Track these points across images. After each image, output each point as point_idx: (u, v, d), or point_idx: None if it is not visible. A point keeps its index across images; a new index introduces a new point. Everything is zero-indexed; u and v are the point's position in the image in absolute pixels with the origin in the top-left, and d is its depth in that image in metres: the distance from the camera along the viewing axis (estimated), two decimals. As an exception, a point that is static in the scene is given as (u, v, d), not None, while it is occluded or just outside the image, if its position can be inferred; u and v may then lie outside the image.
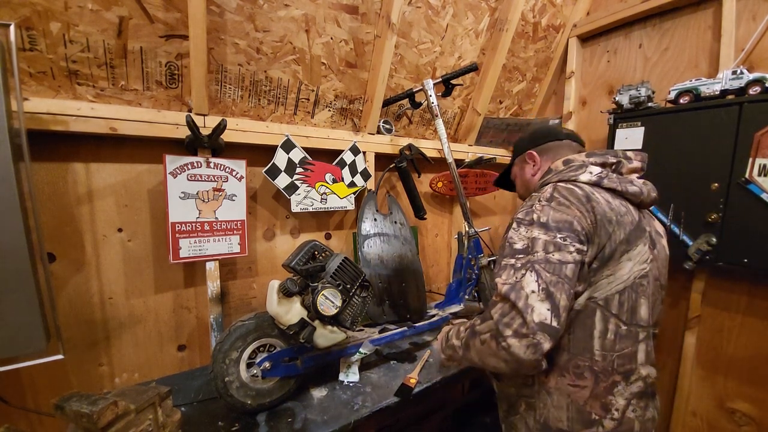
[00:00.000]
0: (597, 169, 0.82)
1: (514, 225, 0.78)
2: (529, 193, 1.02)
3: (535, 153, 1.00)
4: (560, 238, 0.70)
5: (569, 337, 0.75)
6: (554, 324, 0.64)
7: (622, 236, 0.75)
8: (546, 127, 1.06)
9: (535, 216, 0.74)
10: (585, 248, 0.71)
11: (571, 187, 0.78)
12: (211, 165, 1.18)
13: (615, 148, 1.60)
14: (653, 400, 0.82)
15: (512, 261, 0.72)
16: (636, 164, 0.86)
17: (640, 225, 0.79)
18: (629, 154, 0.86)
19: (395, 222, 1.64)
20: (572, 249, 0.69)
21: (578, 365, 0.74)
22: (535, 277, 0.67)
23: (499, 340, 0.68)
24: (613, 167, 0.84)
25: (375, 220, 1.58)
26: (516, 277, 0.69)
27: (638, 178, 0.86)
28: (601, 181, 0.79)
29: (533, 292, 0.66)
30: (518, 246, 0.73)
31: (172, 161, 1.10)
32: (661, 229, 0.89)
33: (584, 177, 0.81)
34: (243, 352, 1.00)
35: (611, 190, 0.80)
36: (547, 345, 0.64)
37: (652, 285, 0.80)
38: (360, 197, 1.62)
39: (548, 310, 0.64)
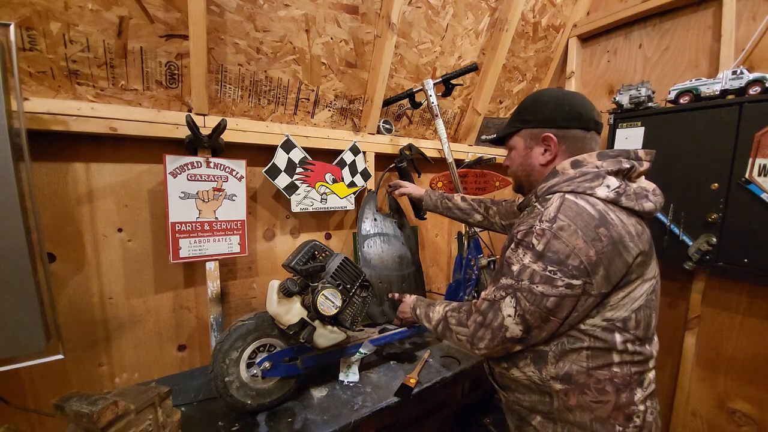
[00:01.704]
0: (614, 183, 0.72)
1: (513, 245, 0.74)
2: (528, 180, 0.89)
3: (554, 138, 0.81)
4: (550, 271, 0.68)
5: (588, 354, 0.72)
6: (523, 336, 0.73)
7: (640, 259, 0.70)
8: (579, 104, 0.81)
9: (533, 240, 0.70)
10: (579, 282, 0.67)
11: (583, 205, 0.69)
12: (211, 165, 1.18)
13: (615, 148, 1.59)
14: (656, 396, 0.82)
15: (502, 279, 0.74)
16: (646, 166, 0.77)
17: (651, 241, 0.75)
18: (640, 154, 0.77)
19: (395, 222, 1.64)
20: (560, 284, 0.67)
21: (599, 380, 0.72)
22: (514, 303, 0.71)
23: (473, 347, 0.79)
24: (626, 173, 0.75)
25: (375, 220, 1.58)
26: (495, 296, 0.74)
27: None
28: (619, 199, 0.71)
29: (509, 315, 0.72)
30: (513, 268, 0.73)
31: (172, 161, 1.10)
32: None
33: (601, 192, 0.71)
34: (243, 352, 1.00)
35: (627, 209, 0.72)
36: (516, 348, 0.75)
37: (658, 296, 0.79)
38: (360, 197, 1.62)
39: (521, 330, 0.72)
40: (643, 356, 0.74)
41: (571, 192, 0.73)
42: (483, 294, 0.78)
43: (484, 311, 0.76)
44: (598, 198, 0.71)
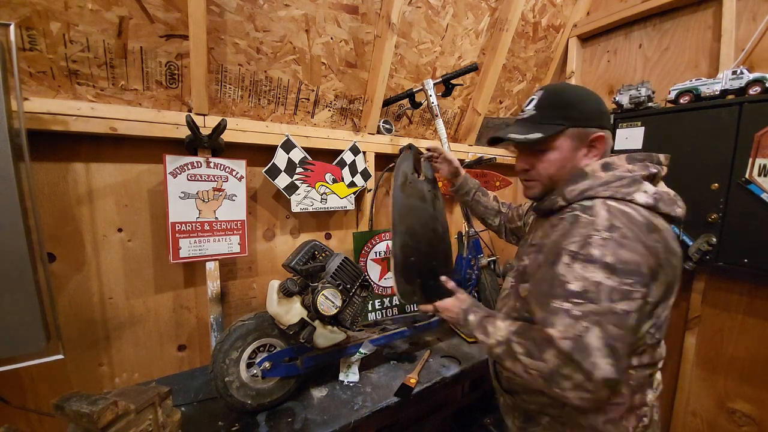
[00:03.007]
0: (651, 188, 0.70)
1: (566, 259, 0.65)
2: (554, 181, 0.80)
3: (606, 138, 0.77)
4: (627, 284, 0.60)
5: None
6: (615, 376, 0.59)
7: (680, 265, 0.69)
8: (602, 103, 0.79)
9: (596, 252, 0.62)
10: (649, 290, 0.63)
11: (628, 211, 0.66)
12: (211, 165, 1.18)
13: (615, 148, 1.59)
14: None
15: (567, 306, 0.62)
16: (665, 171, 0.75)
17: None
18: (661, 158, 0.75)
19: (431, 192, 1.38)
20: (638, 296, 0.61)
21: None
22: (599, 332, 0.59)
23: (552, 386, 0.63)
24: (652, 178, 0.73)
25: (410, 182, 1.31)
26: (577, 331, 0.60)
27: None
28: (657, 205, 0.68)
29: (598, 349, 0.59)
30: (573, 287, 0.62)
31: (172, 161, 1.10)
32: None
33: (641, 198, 0.68)
34: (243, 352, 1.00)
35: (664, 215, 0.69)
36: (607, 396, 0.61)
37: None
38: (360, 197, 1.63)
39: (611, 365, 0.59)
40: (656, 359, 0.74)
41: (610, 198, 0.69)
42: (555, 332, 0.62)
43: (569, 351, 0.60)
44: (638, 204, 0.68)
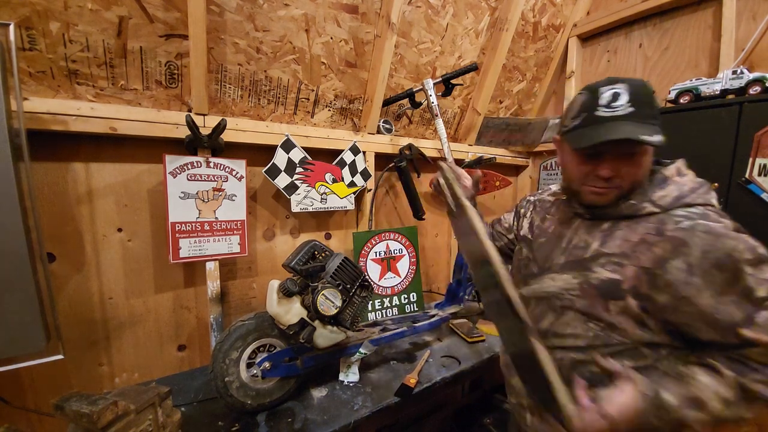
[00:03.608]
0: (714, 193, 0.73)
1: (749, 270, 0.62)
2: (633, 186, 0.72)
3: None
4: None
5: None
6: None
7: None
8: None
9: (762, 251, 0.64)
10: None
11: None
12: (211, 165, 1.18)
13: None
14: None
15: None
16: None
17: None
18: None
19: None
20: None
21: None
22: None
23: None
24: None
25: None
26: None
27: None
28: (717, 209, 0.72)
29: None
30: (763, 293, 0.62)
31: (172, 161, 1.10)
32: None
33: (715, 202, 0.72)
34: (243, 352, 1.00)
35: None
36: None
37: None
38: (360, 197, 1.62)
39: None
40: None
41: (702, 204, 0.70)
42: None
43: None
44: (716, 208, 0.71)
